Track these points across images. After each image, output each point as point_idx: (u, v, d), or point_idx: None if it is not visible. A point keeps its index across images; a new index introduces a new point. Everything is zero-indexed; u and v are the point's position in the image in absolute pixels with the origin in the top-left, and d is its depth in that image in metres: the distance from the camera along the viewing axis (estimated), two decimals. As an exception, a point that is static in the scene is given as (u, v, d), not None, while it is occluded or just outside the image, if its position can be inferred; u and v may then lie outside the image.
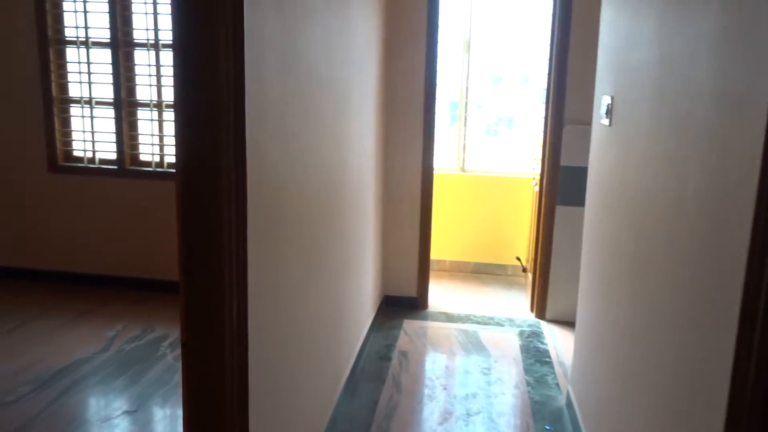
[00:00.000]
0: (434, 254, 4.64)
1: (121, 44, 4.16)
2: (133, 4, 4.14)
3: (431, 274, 4.46)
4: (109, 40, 4.15)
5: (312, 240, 2.33)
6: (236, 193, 1.53)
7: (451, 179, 5.11)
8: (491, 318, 4.18)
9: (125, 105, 4.23)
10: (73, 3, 4.16)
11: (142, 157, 4.33)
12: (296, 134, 2.04)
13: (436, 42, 4.01)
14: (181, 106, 1.46)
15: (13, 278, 4.44)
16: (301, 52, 2.04)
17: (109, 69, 4.19)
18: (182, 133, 1.47)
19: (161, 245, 4.23)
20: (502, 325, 4.06)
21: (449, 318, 4.16)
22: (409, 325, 4.03)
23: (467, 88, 5.01)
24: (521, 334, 3.94)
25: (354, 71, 2.94)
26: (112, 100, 4.23)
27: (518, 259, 4.92)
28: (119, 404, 2.94)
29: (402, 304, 4.27)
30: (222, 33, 1.42)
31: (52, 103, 4.25)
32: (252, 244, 1.63)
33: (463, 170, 5.17)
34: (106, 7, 4.11)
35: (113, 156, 4.31)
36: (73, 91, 4.31)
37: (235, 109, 1.49)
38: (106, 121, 4.28)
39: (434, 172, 4.22)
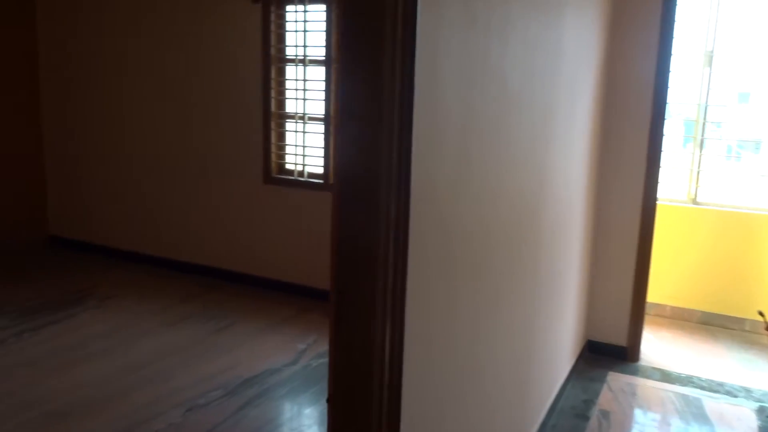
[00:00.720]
0: (652, 297, 4.03)
1: (335, 61, 4.24)
2: (347, 22, 4.21)
3: (646, 320, 3.86)
4: (323, 58, 4.27)
5: (491, 278, 2.03)
6: (397, 226, 1.31)
7: (678, 212, 4.42)
8: (720, 384, 3.46)
9: (334, 120, 4.31)
10: (294, 23, 4.35)
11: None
12: (478, 159, 1.77)
13: (670, 54, 3.45)
14: (342, 121, 1.28)
15: (228, 280, 4.76)
16: (491, 64, 1.77)
17: (322, 86, 4.30)
18: (341, 153, 1.29)
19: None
20: (735, 396, 3.34)
21: (665, 377, 3.54)
22: (615, 379, 3.50)
23: (706, 105, 4.30)
24: (760, 411, 3.20)
25: (561, 87, 2.58)
26: (322, 116, 4.34)
27: (761, 313, 4.07)
28: (298, 423, 2.91)
29: (607, 353, 3.74)
30: (388, 47, 1.22)
31: (270, 118, 4.49)
32: (413, 281, 1.40)
33: (695, 202, 4.44)
34: (323, 26, 4.23)
35: (321, 170, 4.41)
36: (289, 106, 4.51)
37: (400, 129, 1.28)
38: (315, 136, 4.41)
39: (658, 203, 3.64)
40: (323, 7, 4.23)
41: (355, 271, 1.30)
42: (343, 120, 1.29)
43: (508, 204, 2.12)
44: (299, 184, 4.48)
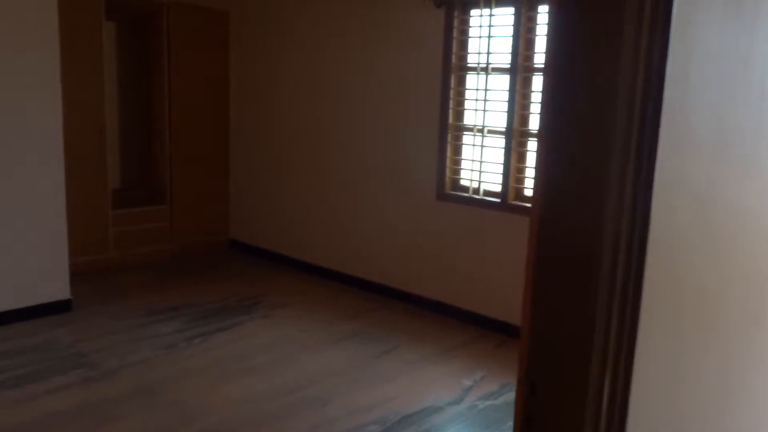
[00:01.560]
0: None
1: (521, 69, 3.85)
2: (537, 26, 3.81)
3: None
4: (508, 66, 3.90)
5: (724, 342, 1.53)
6: (626, 277, 0.92)
7: None
8: None
9: (516, 135, 3.92)
10: (478, 28, 4.03)
11: (528, 193, 3.95)
12: (723, 195, 1.31)
13: None
14: (551, 138, 0.93)
15: (397, 299, 4.55)
16: (752, 67, 1.30)
17: (505, 96, 3.93)
18: (548, 175, 0.94)
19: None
20: None
21: None
22: None
23: None
24: None
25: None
26: (503, 129, 3.96)
27: None
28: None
29: None
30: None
31: (447, 130, 4.20)
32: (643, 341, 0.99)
33: None
34: (509, 31, 3.86)
35: (497, 188, 4.04)
36: (467, 118, 4.20)
37: (638, 151, 0.89)
38: (494, 150, 4.05)
39: None
40: (511, 10, 3.87)
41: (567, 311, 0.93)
42: (553, 135, 0.93)
43: (749, 252, 1.60)
44: (474, 202, 4.13)
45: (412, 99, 4.34)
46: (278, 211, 5.38)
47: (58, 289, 3.99)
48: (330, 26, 4.77)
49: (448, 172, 4.27)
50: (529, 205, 3.88)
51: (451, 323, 4.17)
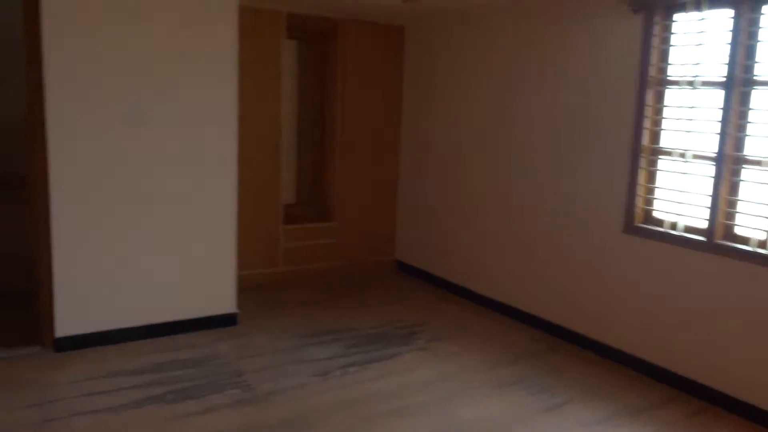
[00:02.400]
0: None
1: (738, 83, 3.20)
2: (761, 30, 3.14)
3: None
4: (722, 79, 3.26)
5: None
6: None
7: None
8: None
9: (729, 161, 3.26)
10: (684, 35, 3.43)
11: (740, 231, 3.27)
12: None
13: None
14: None
15: (572, 342, 4.05)
16: None
17: (716, 115, 3.29)
18: None
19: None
20: None
21: None
22: None
23: None
24: None
25: None
26: (712, 154, 3.32)
27: None
28: None
29: None
30: None
31: (640, 154, 3.64)
32: None
33: None
34: (724, 38, 3.23)
35: (702, 224, 3.39)
36: (666, 140, 3.60)
37: None
38: (699, 179, 3.41)
39: None
40: (726, 13, 3.24)
41: None
42: None
43: None
44: (670, 238, 3.52)
45: (601, 117, 3.83)
46: (446, 236, 5.11)
47: (225, 302, 4.05)
48: (510, 40, 4.41)
49: (639, 202, 3.69)
50: (743, 246, 3.20)
51: (636, 378, 3.58)
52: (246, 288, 4.59)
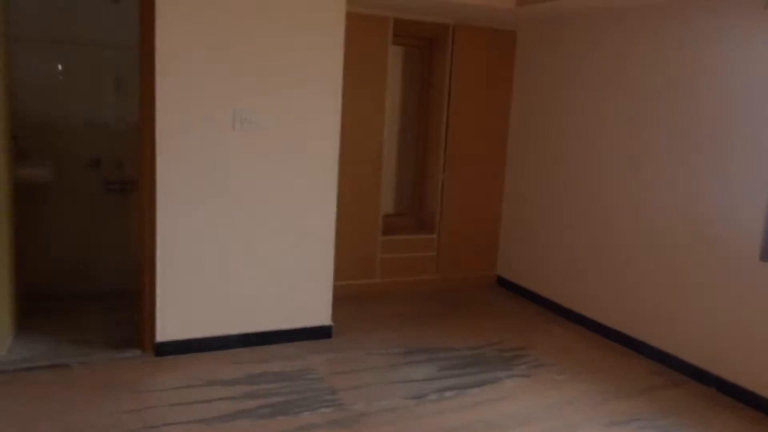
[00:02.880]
0: None
1: None
2: None
3: None
4: None
5: None
6: None
7: None
8: None
9: None
10: None
11: None
12: None
13: None
14: None
15: (695, 379, 3.66)
16: None
17: None
18: None
19: None
20: None
21: None
22: None
23: None
24: None
25: None
26: None
27: None
28: None
29: None
30: None
31: (785, 173, 3.21)
32: None
33: None
34: None
35: None
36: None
37: None
38: None
39: None
40: None
41: None
42: None
43: None
44: (821, 271, 3.07)
45: (735, 128, 3.42)
46: (554, 252, 4.79)
47: (321, 314, 3.97)
48: (632, 46, 4.05)
49: (782, 227, 3.26)
50: None
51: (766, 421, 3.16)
52: (342, 298, 4.50)
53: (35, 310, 4.10)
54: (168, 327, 3.57)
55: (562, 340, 4.22)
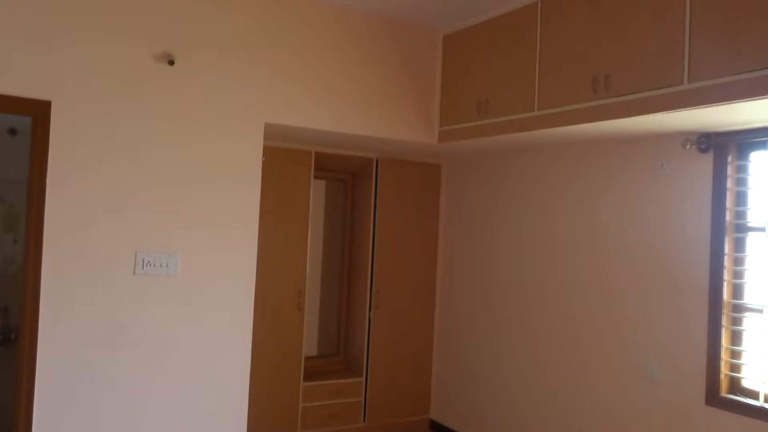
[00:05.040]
0: None
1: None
2: None
3: None
4: (816, 226, 2.79)
5: None
6: None
7: None
8: None
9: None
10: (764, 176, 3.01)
11: None
12: None
13: None
14: None
15: None
16: None
17: (813, 268, 2.79)
18: None
19: None
20: None
21: None
22: None
23: None
24: None
25: None
26: (814, 315, 2.78)
27: None
28: None
29: None
30: None
31: (720, 311, 3.10)
32: None
33: None
34: (814, 179, 2.80)
35: (808, 399, 2.78)
36: (751, 295, 3.08)
37: None
38: (801, 344, 2.85)
39: None
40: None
41: None
42: None
43: None
44: (766, 414, 2.89)
45: (667, 264, 3.34)
46: (486, 391, 4.47)
47: (233, 482, 3.44)
48: (540, 174, 4.05)
49: (723, 368, 3.11)
50: None
51: None
52: (258, 458, 3.98)
53: None
54: None
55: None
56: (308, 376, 4.55)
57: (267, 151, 3.90)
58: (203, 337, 3.36)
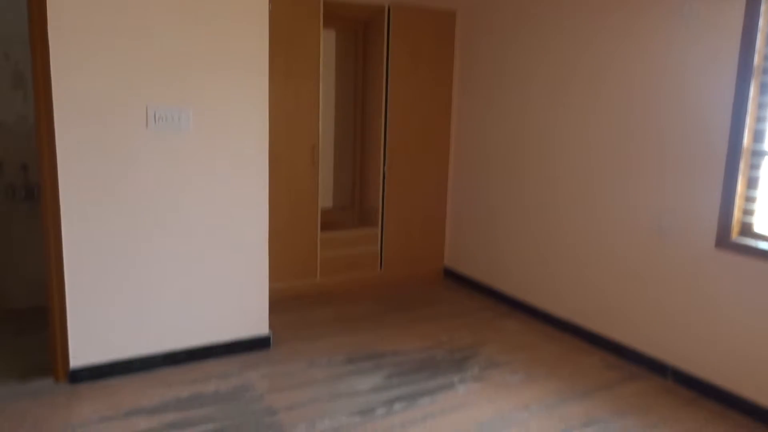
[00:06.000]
0: None
1: None
2: None
3: None
4: None
5: None
6: None
7: None
8: None
9: None
10: (798, 13, 2.84)
11: None
12: None
13: None
14: None
15: (656, 372, 3.53)
16: None
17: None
18: None
19: None
20: None
21: None
22: None
23: None
24: None
25: None
26: (835, 158, 2.73)
27: None
28: None
29: None
30: None
31: (738, 156, 3.06)
32: None
33: None
34: None
35: (818, 241, 2.82)
36: (773, 140, 3.02)
37: None
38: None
39: None
40: None
41: None
42: None
43: None
44: (776, 257, 2.95)
45: (687, 113, 3.26)
46: (503, 241, 4.60)
47: (257, 323, 3.66)
48: (577, 20, 3.85)
49: (736, 213, 3.12)
50: None
51: (733, 417, 3.04)
52: (279, 301, 4.22)
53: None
54: (82, 350, 3.19)
55: (514, 336, 4.04)
56: (325, 227, 4.68)
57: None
58: (222, 184, 3.40)
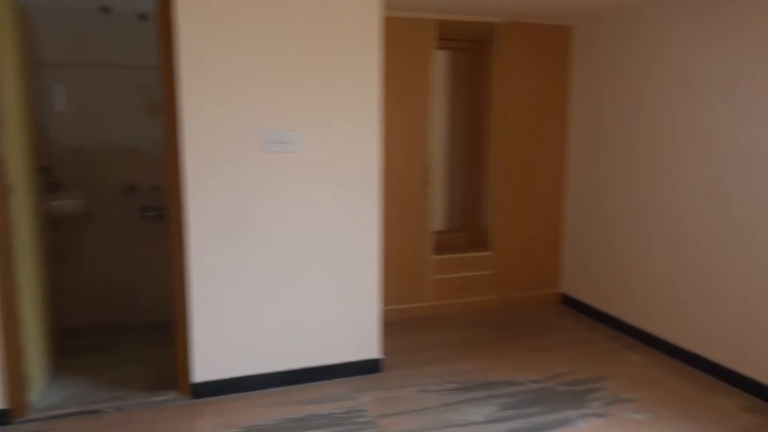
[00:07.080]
0: None
1: None
2: None
3: None
4: None
5: None
6: None
7: None
8: None
9: None
10: None
11: None
12: None
13: None
14: None
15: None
16: None
17: None
18: None
19: None
20: None
21: None
22: None
23: None
24: None
25: None
26: None
27: None
28: None
29: None
30: None
31: None
32: None
33: None
34: None
35: None
36: None
37: None
38: None
39: None
40: None
41: None
42: None
43: None
44: None
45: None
46: (626, 266, 4.33)
47: (369, 346, 3.65)
48: (712, 42, 3.58)
49: None
50: None
51: None
52: (390, 324, 4.20)
53: (72, 348, 3.93)
54: (205, 366, 3.32)
55: (639, 370, 3.77)
56: (437, 250, 4.63)
57: (386, 21, 3.75)
58: (335, 206, 3.44)
